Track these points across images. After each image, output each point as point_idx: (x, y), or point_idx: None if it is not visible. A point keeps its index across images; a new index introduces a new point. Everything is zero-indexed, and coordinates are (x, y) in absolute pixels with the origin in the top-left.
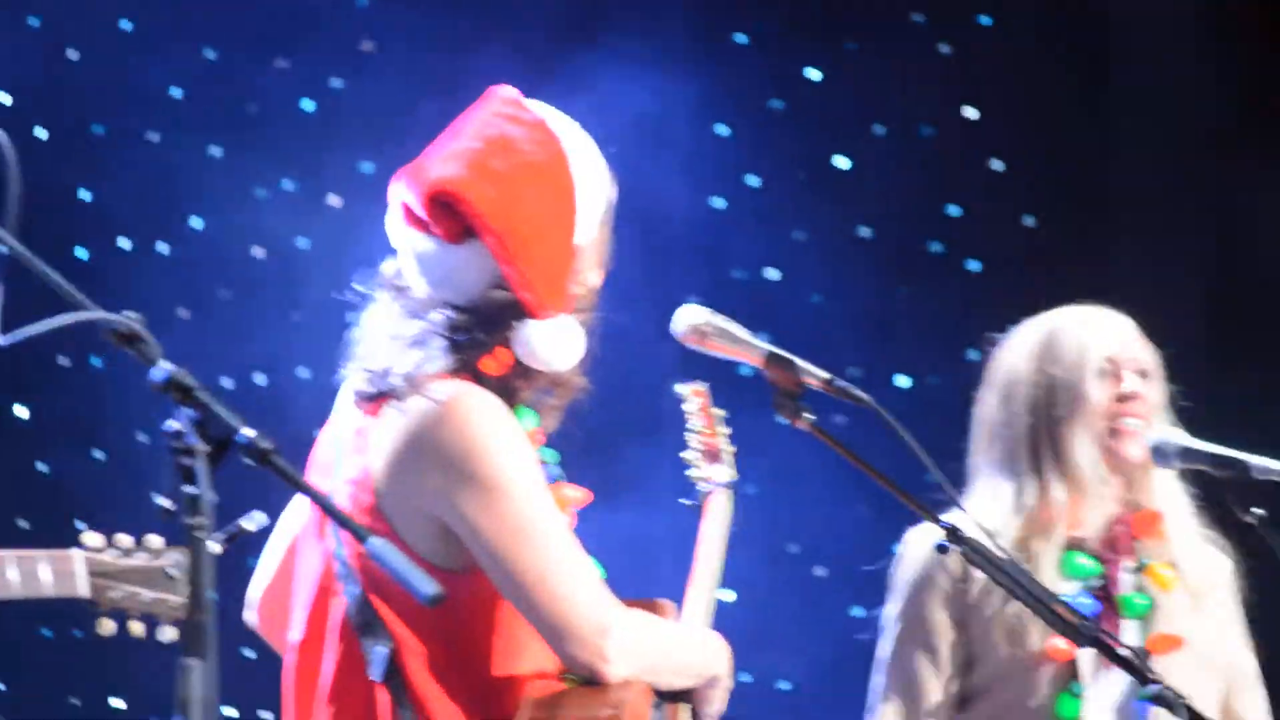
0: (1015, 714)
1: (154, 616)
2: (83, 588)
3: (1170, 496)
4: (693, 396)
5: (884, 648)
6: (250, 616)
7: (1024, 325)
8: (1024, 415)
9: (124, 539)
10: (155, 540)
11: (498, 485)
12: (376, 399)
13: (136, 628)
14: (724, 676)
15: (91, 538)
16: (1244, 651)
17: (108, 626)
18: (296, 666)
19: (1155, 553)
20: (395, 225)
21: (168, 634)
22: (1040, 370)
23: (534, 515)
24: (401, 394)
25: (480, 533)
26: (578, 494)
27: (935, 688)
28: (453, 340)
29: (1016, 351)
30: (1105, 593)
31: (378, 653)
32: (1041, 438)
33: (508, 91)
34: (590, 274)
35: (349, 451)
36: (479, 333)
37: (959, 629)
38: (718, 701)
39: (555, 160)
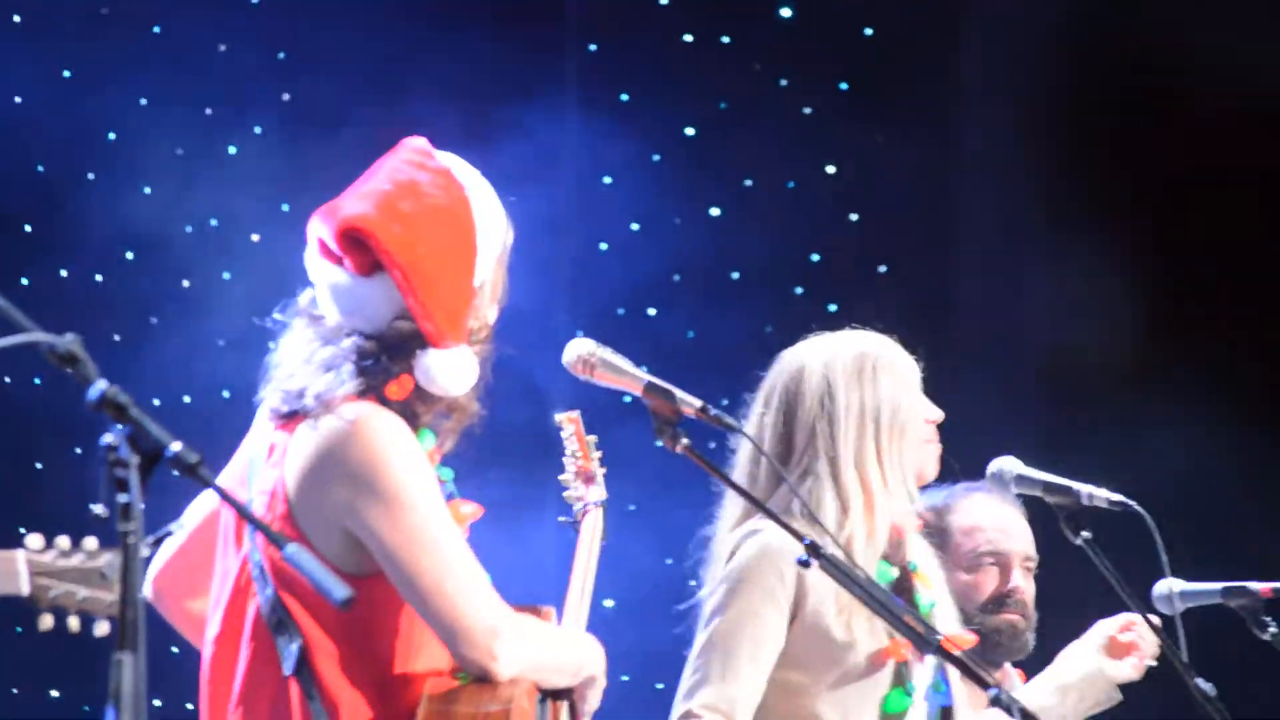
0: (853, 710)
1: (89, 613)
2: (24, 586)
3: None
4: (568, 423)
5: (710, 632)
6: (145, 589)
7: (818, 347)
8: (851, 434)
9: (63, 541)
10: (91, 542)
11: (399, 499)
12: (291, 417)
13: (74, 623)
14: (600, 675)
15: (34, 540)
16: None
17: (46, 622)
18: (213, 660)
19: (913, 554)
20: (311, 259)
21: (102, 629)
22: (866, 392)
23: (432, 527)
24: (314, 413)
25: (383, 542)
26: (471, 509)
27: (752, 677)
28: (361, 366)
29: (833, 373)
30: (905, 597)
31: (289, 649)
32: (867, 454)
33: (418, 142)
34: (488, 310)
35: (264, 464)
36: (385, 359)
37: (787, 625)
38: (593, 699)
39: (458, 204)
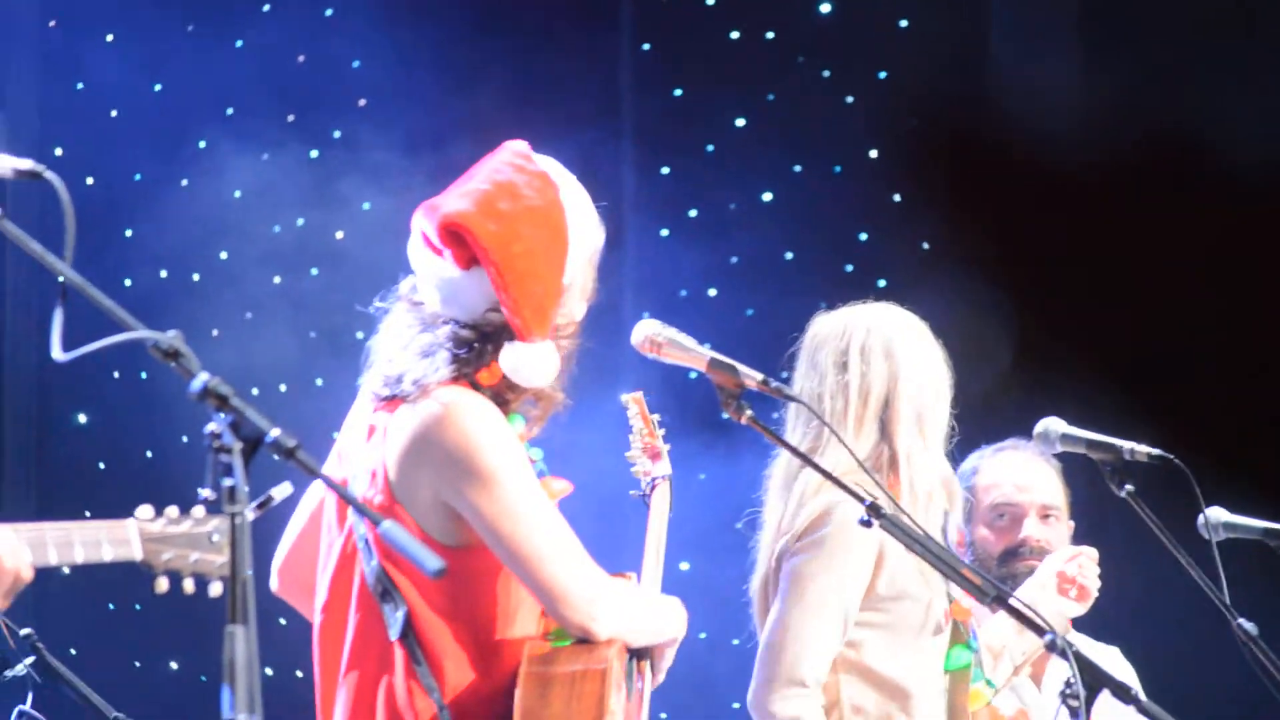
0: (922, 667)
1: (203, 575)
2: (137, 551)
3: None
4: (633, 404)
5: (800, 597)
6: (272, 582)
7: (873, 316)
8: (909, 403)
9: (172, 510)
10: (199, 510)
11: (495, 476)
12: (391, 400)
13: (188, 585)
14: (680, 636)
15: (143, 510)
16: None
17: (162, 585)
18: (322, 627)
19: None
20: (414, 248)
21: (215, 589)
22: (922, 365)
23: (528, 500)
24: (412, 397)
25: (484, 516)
26: (562, 485)
27: (837, 640)
28: (455, 353)
29: (895, 344)
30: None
31: (395, 616)
32: (929, 425)
33: (518, 145)
34: (576, 306)
35: (365, 444)
36: (478, 347)
37: (868, 588)
38: (670, 656)
39: (552, 206)
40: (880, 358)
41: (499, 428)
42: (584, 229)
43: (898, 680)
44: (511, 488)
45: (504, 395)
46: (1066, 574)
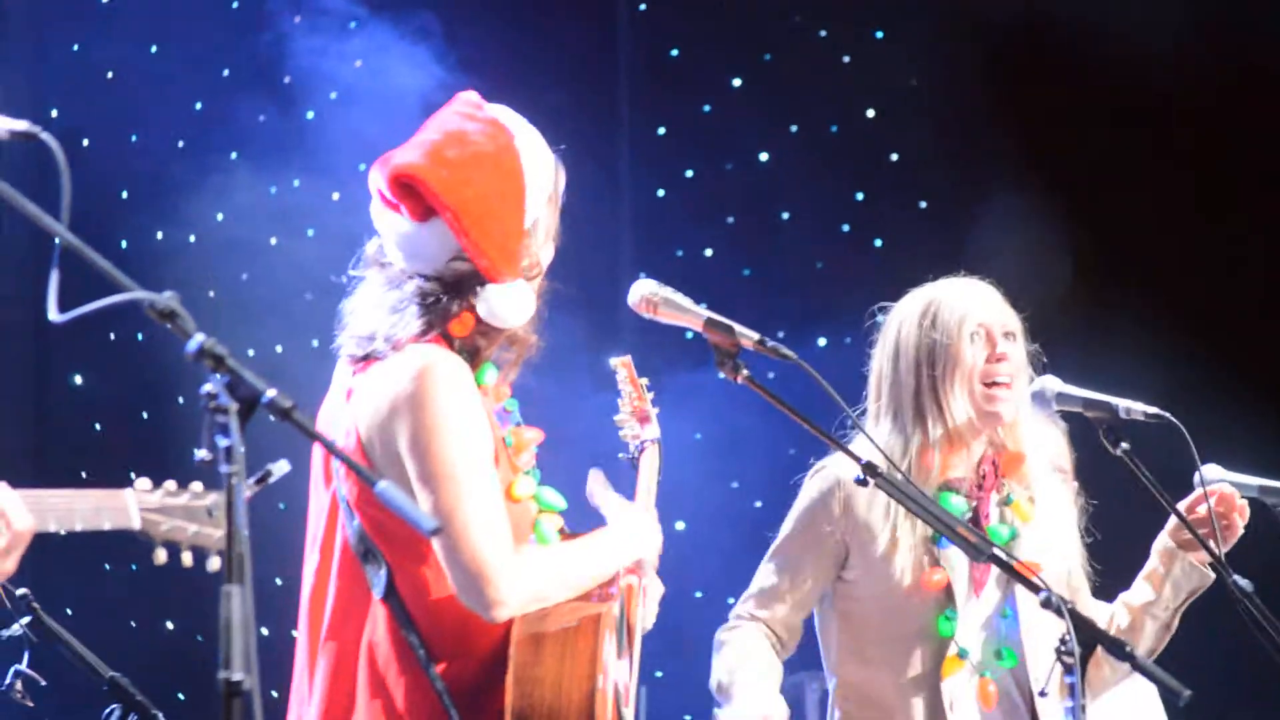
0: (900, 638)
1: (201, 548)
2: (135, 520)
3: (1031, 441)
4: (621, 367)
5: (767, 555)
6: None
7: (909, 296)
8: (909, 375)
9: (170, 484)
10: (197, 485)
11: (437, 436)
12: (364, 360)
13: (187, 558)
14: (646, 556)
15: (142, 482)
16: (1080, 563)
17: (160, 556)
18: (312, 589)
19: (1017, 489)
20: (375, 209)
21: (214, 564)
22: (923, 336)
23: (463, 468)
24: (383, 355)
25: (418, 474)
26: (533, 434)
27: (792, 601)
28: (424, 306)
29: (903, 319)
30: (974, 526)
31: (378, 575)
32: (924, 395)
33: (469, 95)
34: (541, 249)
35: (345, 406)
36: (445, 299)
37: (835, 552)
38: (650, 581)
39: (503, 150)
40: (886, 347)
41: (460, 390)
42: (540, 170)
43: (877, 654)
44: (450, 450)
45: (476, 344)
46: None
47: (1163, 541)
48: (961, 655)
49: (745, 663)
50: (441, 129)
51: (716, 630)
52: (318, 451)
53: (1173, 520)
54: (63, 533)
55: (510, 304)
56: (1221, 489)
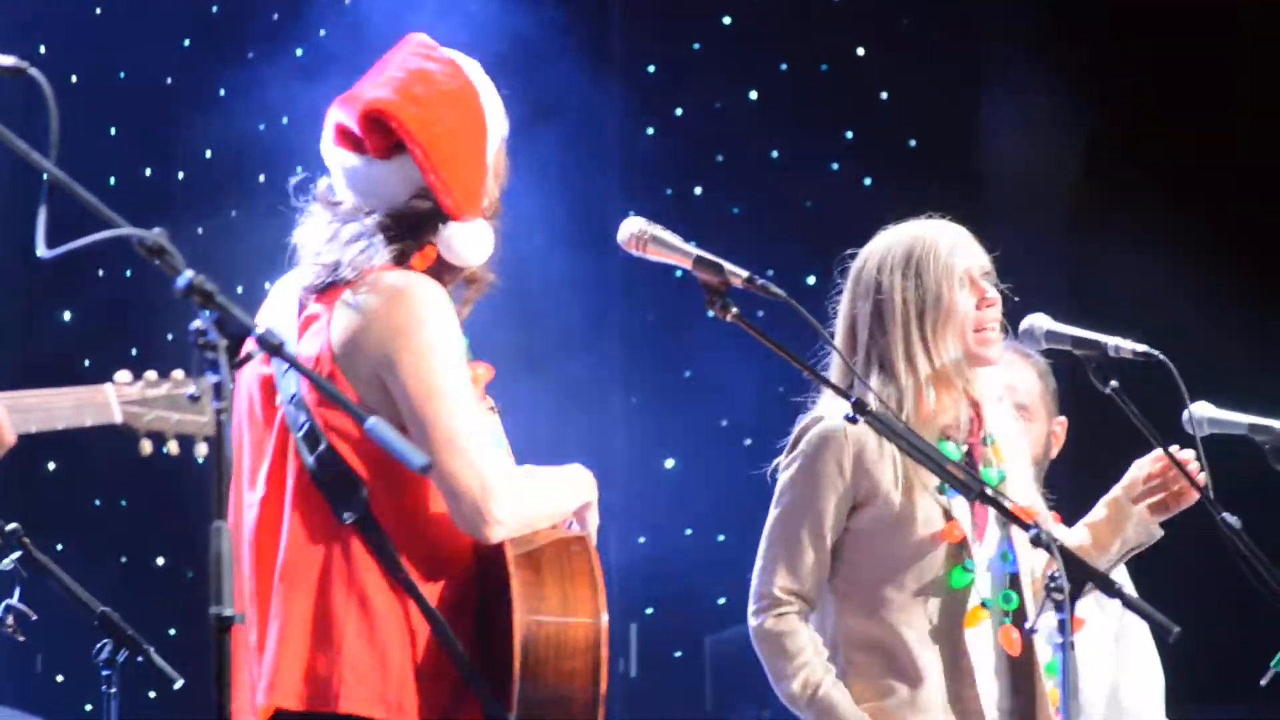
0: (914, 589)
1: (187, 436)
2: (116, 414)
3: (990, 384)
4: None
5: (775, 517)
6: None
7: (881, 242)
8: (898, 329)
9: (151, 375)
10: (179, 373)
11: (428, 354)
12: (329, 289)
13: (173, 446)
14: (593, 500)
15: (122, 375)
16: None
17: (146, 448)
18: (258, 522)
19: (993, 429)
20: (327, 146)
21: (201, 450)
22: (910, 287)
23: (453, 385)
24: (353, 281)
25: (408, 392)
26: (484, 370)
27: (817, 559)
28: (389, 238)
29: (882, 267)
30: (970, 468)
31: (358, 497)
32: (914, 345)
33: (421, 36)
34: (494, 189)
35: (307, 336)
36: (403, 236)
37: (849, 510)
38: (592, 520)
39: (466, 90)
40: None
41: (445, 311)
42: (496, 113)
43: (889, 607)
44: (441, 368)
45: (439, 278)
46: (1152, 474)
47: (1115, 493)
48: (985, 605)
49: (837, 687)
50: (404, 67)
51: (757, 615)
52: (243, 388)
53: (1131, 474)
54: (51, 464)
55: (472, 242)
56: (1181, 456)
